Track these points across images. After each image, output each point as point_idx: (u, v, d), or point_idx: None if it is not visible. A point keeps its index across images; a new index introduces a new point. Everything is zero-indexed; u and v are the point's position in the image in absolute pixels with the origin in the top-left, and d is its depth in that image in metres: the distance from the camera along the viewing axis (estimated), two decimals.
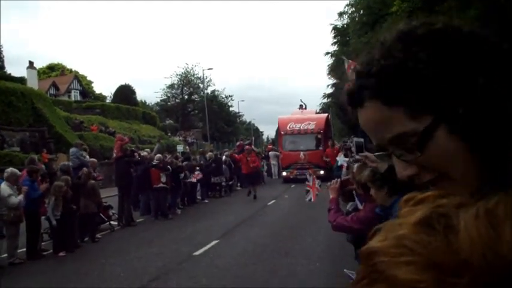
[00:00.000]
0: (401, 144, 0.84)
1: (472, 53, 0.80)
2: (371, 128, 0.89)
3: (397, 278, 0.43)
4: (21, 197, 11.10)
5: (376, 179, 4.10)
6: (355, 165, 4.78)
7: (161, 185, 17.03)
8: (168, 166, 17.68)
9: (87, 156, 17.74)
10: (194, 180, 20.56)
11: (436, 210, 0.48)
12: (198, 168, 21.81)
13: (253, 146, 35.29)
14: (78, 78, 63.06)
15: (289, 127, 31.10)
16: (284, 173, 30.97)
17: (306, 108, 39.36)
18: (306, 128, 30.63)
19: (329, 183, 5.60)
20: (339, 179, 5.59)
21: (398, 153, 0.85)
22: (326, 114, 34.72)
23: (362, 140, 4.03)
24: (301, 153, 29.62)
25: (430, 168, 0.81)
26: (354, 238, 5.87)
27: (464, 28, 0.85)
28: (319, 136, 29.91)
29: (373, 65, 0.87)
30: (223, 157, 26.16)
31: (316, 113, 38.58)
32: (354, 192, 5.10)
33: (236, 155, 26.47)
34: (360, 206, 5.24)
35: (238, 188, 27.30)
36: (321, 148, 29.41)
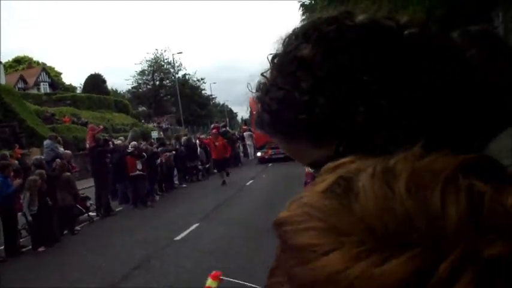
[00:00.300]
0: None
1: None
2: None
3: (297, 244, 0.43)
4: None
5: None
6: None
7: (137, 172, 16.89)
8: (143, 153, 17.54)
9: (62, 149, 17.50)
10: (164, 159, 20.29)
11: (342, 174, 0.47)
12: (173, 152, 21.68)
13: (227, 128, 35.19)
14: (46, 70, 62.09)
15: None
16: (259, 153, 30.55)
17: None
18: None
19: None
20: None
21: None
22: None
23: None
24: None
25: None
26: None
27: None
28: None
29: (266, 93, 0.84)
30: (197, 141, 26.05)
31: None
32: None
33: (204, 140, 25.71)
34: None
35: (216, 171, 27.28)
36: None
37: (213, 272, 2.65)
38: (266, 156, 29.27)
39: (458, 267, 0.33)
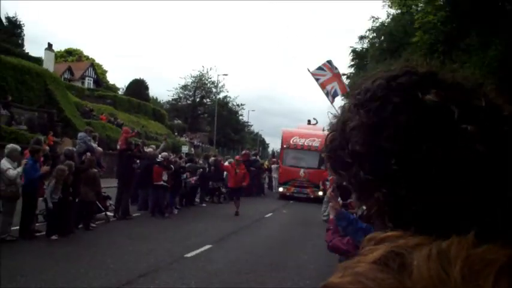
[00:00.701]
0: None
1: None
2: None
3: None
4: (20, 169, 11.10)
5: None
6: None
7: (162, 182, 17.00)
8: (171, 165, 17.66)
9: (95, 144, 17.71)
10: (192, 181, 20.43)
11: (393, 249, 0.48)
12: (200, 170, 21.73)
13: (258, 157, 34.96)
14: (94, 66, 63.30)
15: (293, 141, 29.43)
16: (281, 189, 29.13)
17: (316, 124, 36.07)
18: (309, 144, 28.91)
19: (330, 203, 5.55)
20: (341, 201, 5.53)
21: None
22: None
23: None
24: (302, 170, 28.22)
25: None
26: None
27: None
28: (323, 155, 27.33)
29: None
30: (226, 163, 26.03)
31: (324, 130, 36.85)
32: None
33: (224, 164, 23.29)
34: None
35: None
36: (323, 168, 26.07)
37: None
38: (288, 193, 28.18)
39: None
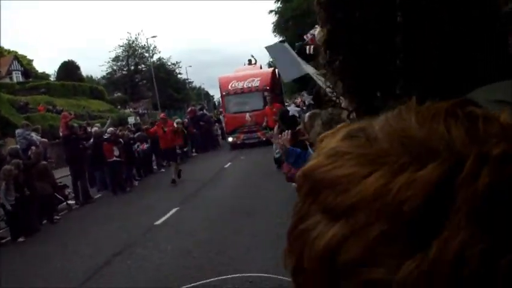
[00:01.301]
0: None
1: None
2: None
3: (333, 178, 0.45)
4: None
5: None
6: (306, 115, 4.73)
7: (115, 158, 16.82)
8: (120, 139, 17.45)
9: (39, 137, 17.25)
10: (143, 147, 20.27)
11: (356, 126, 0.50)
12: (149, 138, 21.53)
13: (205, 110, 34.71)
14: (18, 58, 60.98)
15: (231, 86, 27.50)
16: (230, 139, 27.49)
17: (255, 63, 35.43)
18: (249, 85, 27.11)
19: (280, 134, 5.62)
20: (289, 130, 5.60)
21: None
22: (272, 68, 29.67)
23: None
24: (247, 114, 26.25)
25: None
26: None
27: None
28: (266, 94, 25.79)
29: None
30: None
31: (261, 68, 34.57)
32: (307, 142, 5.10)
33: (150, 129, 21.13)
34: None
35: (194, 154, 27.18)
36: (268, 106, 24.10)
37: None
38: (238, 142, 26.79)
39: (477, 167, 0.40)
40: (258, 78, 27.24)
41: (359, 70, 0.85)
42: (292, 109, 10.34)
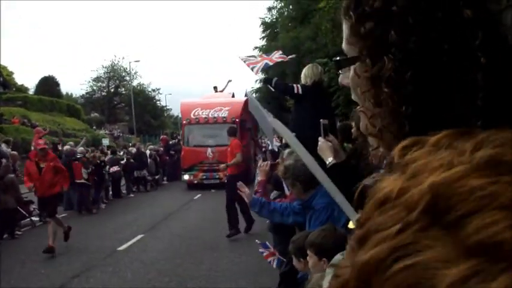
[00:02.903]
0: None
1: None
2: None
3: (497, 196, 0.36)
4: None
5: (288, 176, 4.14)
6: (285, 151, 4.71)
7: (83, 180, 16.67)
8: (90, 164, 17.24)
9: (9, 149, 17.08)
10: (115, 170, 20.09)
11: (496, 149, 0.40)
12: (121, 162, 21.45)
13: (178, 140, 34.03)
14: None
15: (194, 114, 23.31)
16: (186, 176, 23.08)
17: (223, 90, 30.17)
18: (216, 115, 22.97)
19: (259, 163, 5.67)
20: (269, 162, 5.66)
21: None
22: (245, 98, 23.17)
23: (327, 121, 3.85)
24: (209, 149, 22.14)
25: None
26: (274, 226, 5.93)
27: None
28: (235, 126, 17.55)
29: None
30: (148, 151, 25.73)
31: (234, 96, 29.24)
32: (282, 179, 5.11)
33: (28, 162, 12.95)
34: (287, 193, 5.28)
35: (165, 182, 27.07)
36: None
37: None
38: (196, 181, 22.68)
39: None
40: (227, 108, 23.30)
41: (428, 111, 0.76)
42: (274, 144, 10.44)
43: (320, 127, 3.66)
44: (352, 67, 0.86)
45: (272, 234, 6.56)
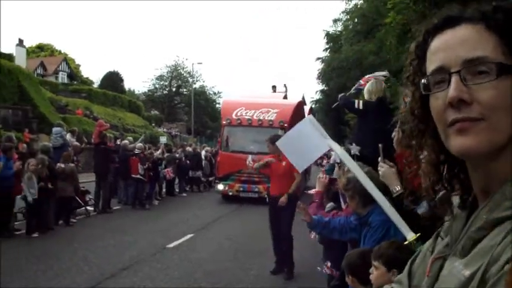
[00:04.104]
0: (473, 67, 0.93)
1: None
2: (454, 45, 0.97)
3: None
4: None
5: (349, 188, 4.08)
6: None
7: (139, 176, 16.93)
8: (147, 161, 17.49)
9: (73, 139, 17.48)
10: (168, 174, 20.29)
11: None
12: (176, 161, 21.68)
13: None
14: (66, 60, 62.59)
15: (236, 114, 20.10)
16: (220, 186, 19.87)
17: (285, 96, 26.92)
18: (261, 118, 19.73)
19: (319, 175, 5.64)
20: (327, 175, 5.62)
21: (465, 77, 0.94)
22: (297, 101, 22.78)
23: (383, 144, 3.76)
24: (250, 157, 14.49)
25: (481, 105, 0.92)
26: (325, 239, 5.83)
27: None
28: (282, 132, 15.26)
29: None
30: (203, 152, 25.93)
31: (286, 98, 26.21)
32: (339, 191, 5.06)
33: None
34: (343, 206, 5.21)
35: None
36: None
37: None
38: (231, 193, 19.52)
39: None
40: (275, 110, 19.97)
41: None
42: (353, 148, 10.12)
43: (379, 150, 3.63)
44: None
45: (323, 247, 6.47)
